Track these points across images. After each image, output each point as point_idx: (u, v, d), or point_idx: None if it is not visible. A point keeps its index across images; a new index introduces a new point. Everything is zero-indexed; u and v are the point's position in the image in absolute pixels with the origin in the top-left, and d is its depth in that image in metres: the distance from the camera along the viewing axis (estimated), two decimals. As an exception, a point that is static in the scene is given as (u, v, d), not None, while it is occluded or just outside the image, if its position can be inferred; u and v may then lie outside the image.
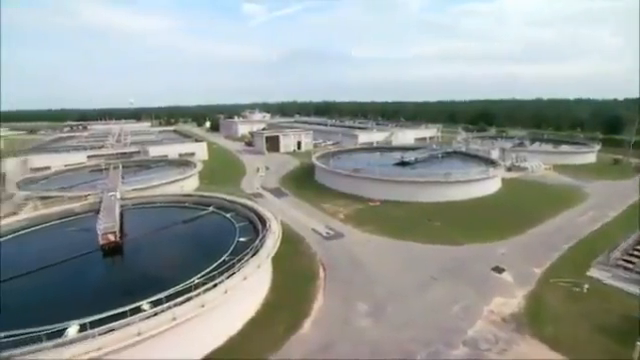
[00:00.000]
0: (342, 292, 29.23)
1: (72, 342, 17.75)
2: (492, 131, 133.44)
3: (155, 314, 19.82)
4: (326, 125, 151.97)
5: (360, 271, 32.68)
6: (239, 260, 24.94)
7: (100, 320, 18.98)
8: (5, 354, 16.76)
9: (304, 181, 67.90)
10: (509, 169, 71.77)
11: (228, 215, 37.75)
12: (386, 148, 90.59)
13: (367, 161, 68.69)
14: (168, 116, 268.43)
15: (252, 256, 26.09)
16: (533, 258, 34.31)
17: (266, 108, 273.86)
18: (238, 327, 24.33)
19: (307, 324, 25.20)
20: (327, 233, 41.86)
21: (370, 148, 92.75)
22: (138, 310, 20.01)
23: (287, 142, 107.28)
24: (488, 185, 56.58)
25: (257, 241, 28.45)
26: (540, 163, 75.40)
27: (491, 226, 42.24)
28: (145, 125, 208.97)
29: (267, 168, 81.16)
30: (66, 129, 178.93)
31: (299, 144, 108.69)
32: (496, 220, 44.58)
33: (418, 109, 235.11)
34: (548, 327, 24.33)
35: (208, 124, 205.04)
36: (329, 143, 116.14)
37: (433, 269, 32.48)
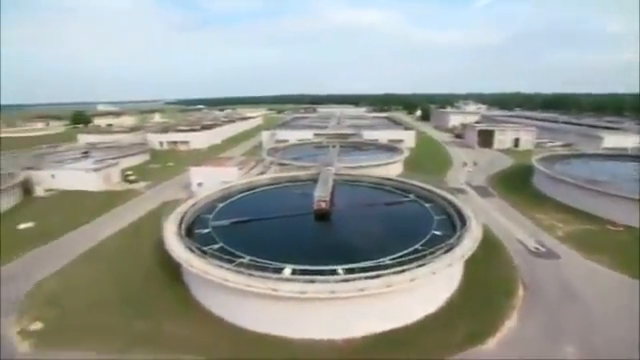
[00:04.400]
0: (545, 323, 24.46)
1: (288, 280, 22.34)
2: None
3: (347, 280, 22.24)
4: (556, 122, 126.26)
5: (576, 307, 26.25)
6: (431, 253, 24.64)
7: (305, 270, 22.86)
8: (246, 272, 22.75)
9: (517, 184, 59.31)
10: None
11: (427, 205, 37.50)
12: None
13: (611, 171, 53.35)
14: (382, 103, 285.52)
15: (445, 252, 25.23)
16: None
17: (482, 99, 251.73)
18: (417, 317, 24.31)
19: (492, 342, 22.56)
20: (536, 248, 35.58)
21: (620, 155, 70.92)
22: (334, 272, 22.99)
23: (503, 138, 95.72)
24: None
25: (453, 238, 27.21)
26: None
27: None
28: (361, 110, 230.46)
29: (475, 164, 75.34)
30: (301, 111, 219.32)
31: (517, 141, 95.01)
32: None
33: None
34: None
35: (419, 113, 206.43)
36: (557, 144, 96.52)
37: None
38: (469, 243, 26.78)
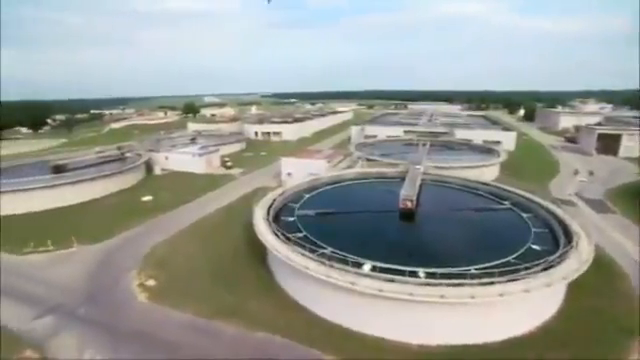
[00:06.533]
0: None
1: (367, 276, 22.34)
2: None
3: (428, 284, 21.33)
4: None
5: None
6: (526, 268, 22.21)
7: (385, 269, 22.47)
8: (327, 263, 23.35)
9: (647, 201, 49.54)
10: None
11: (525, 215, 33.85)
12: None
13: None
14: (479, 100, 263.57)
15: (543, 270, 22.51)
16: None
17: (606, 97, 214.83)
18: (501, 337, 22.16)
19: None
20: (671, 282, 29.34)
21: None
22: (415, 274, 22.19)
23: (632, 144, 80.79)
24: None
25: (554, 256, 24.11)
26: None
27: None
28: (455, 108, 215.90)
29: (591, 173, 65.12)
30: (392, 107, 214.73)
31: (654, 149, 79.32)
32: None
33: None
34: None
35: (522, 112, 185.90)
36: None
37: None
38: (575, 264, 23.46)
